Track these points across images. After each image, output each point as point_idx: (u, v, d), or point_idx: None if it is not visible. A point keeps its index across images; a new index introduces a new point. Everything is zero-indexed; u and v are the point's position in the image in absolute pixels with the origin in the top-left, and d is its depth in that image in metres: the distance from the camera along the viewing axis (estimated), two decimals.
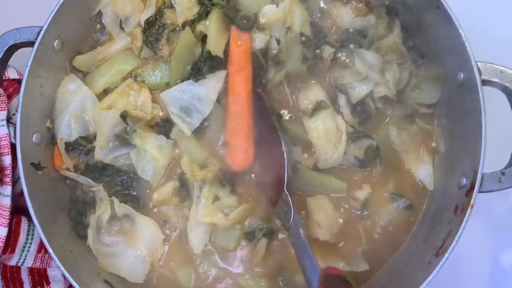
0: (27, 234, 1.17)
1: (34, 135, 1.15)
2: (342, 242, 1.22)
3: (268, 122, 1.22)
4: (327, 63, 1.24)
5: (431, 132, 1.27)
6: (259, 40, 1.19)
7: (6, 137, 1.15)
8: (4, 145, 1.15)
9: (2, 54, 1.16)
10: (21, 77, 1.20)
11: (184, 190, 1.22)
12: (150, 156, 1.19)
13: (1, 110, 1.17)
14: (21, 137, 1.11)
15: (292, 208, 1.11)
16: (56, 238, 1.11)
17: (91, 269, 1.18)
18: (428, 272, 1.04)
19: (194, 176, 1.18)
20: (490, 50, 1.16)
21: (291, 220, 1.10)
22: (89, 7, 1.24)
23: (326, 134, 1.21)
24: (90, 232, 1.18)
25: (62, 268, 1.07)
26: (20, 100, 1.11)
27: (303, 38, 1.20)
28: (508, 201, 1.36)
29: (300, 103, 1.25)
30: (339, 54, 1.23)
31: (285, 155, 1.17)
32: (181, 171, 1.21)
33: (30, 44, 1.14)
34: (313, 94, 1.24)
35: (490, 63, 1.10)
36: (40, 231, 1.07)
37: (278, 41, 1.20)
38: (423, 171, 1.24)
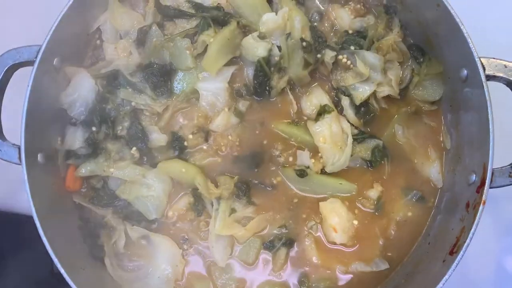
0: None
1: (39, 155, 1.14)
2: (360, 244, 1.21)
3: None
4: (328, 67, 1.23)
5: (437, 129, 1.26)
6: (261, 48, 1.18)
7: None
8: None
9: (2, 74, 1.14)
10: None
11: (199, 204, 1.21)
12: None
13: None
14: (26, 157, 1.09)
15: None
16: (67, 257, 1.09)
17: (104, 285, 1.17)
18: (444, 271, 1.03)
19: (211, 194, 1.18)
20: (492, 45, 1.16)
21: None
22: (86, 23, 1.24)
23: (332, 138, 1.20)
24: (108, 261, 1.17)
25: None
26: (23, 121, 1.09)
27: (304, 43, 1.19)
28: None
29: (304, 108, 1.25)
30: (340, 56, 1.22)
31: None
32: (194, 186, 1.20)
33: (30, 63, 1.12)
34: (316, 98, 1.24)
35: (493, 58, 1.09)
36: (50, 251, 1.06)
37: (279, 48, 1.19)
38: (431, 168, 1.24)
